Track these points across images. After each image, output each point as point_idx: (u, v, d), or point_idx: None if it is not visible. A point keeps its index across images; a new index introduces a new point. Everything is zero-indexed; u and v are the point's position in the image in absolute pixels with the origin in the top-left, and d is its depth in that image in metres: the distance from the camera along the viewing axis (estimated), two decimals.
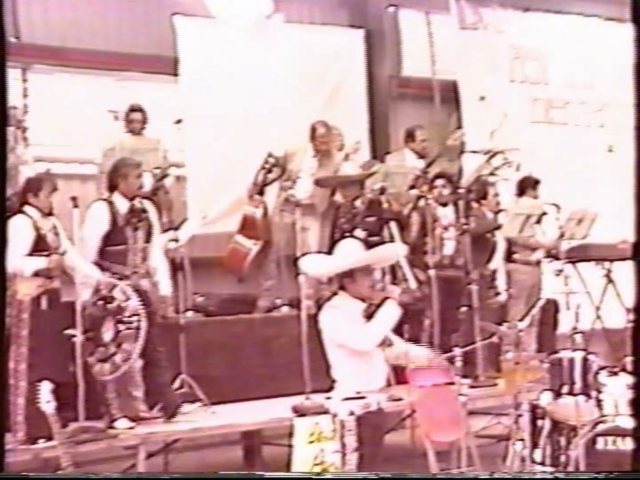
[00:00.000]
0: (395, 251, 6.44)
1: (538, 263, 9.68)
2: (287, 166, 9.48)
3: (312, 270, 6.22)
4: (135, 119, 9.12)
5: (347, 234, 8.46)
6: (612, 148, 11.51)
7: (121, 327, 7.03)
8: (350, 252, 5.70)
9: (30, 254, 6.94)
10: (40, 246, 6.99)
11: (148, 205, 7.68)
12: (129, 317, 7.04)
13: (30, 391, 6.51)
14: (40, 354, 6.83)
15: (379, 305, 5.58)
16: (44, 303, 6.92)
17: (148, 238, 7.55)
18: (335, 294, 5.69)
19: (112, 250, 7.39)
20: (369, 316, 5.58)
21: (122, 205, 7.44)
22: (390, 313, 5.56)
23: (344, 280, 5.63)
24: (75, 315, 6.95)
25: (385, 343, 5.63)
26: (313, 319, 7.49)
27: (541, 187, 9.89)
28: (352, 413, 5.50)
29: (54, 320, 6.99)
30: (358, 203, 8.65)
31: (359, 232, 8.48)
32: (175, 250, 8.36)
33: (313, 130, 9.61)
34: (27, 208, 7.04)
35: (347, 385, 5.58)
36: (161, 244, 7.91)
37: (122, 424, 7.25)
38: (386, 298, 5.62)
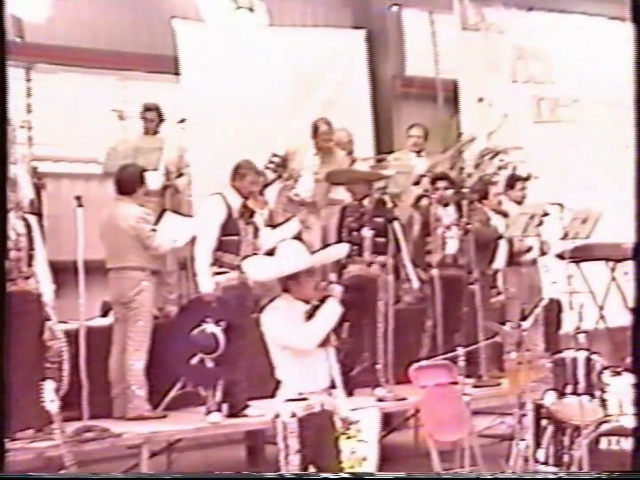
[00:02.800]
0: (340, 251, 6.36)
1: (534, 262, 9.68)
2: (288, 165, 9.48)
3: (255, 274, 6.19)
4: (149, 118, 9.09)
5: (355, 234, 8.47)
6: (627, 145, 11.50)
7: (46, 364, 6.91)
8: (294, 255, 5.60)
9: None
10: None
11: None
12: (52, 357, 6.95)
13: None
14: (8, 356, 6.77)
15: (320, 304, 5.54)
16: None
17: (257, 235, 7.80)
18: (277, 296, 5.63)
19: (225, 241, 7.64)
20: (311, 317, 5.53)
21: (235, 199, 7.73)
22: (331, 311, 5.52)
23: (288, 282, 5.56)
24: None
25: (329, 343, 5.59)
26: None
27: (543, 187, 9.89)
28: (294, 415, 5.44)
29: (20, 321, 6.88)
30: (366, 202, 8.64)
31: (366, 232, 8.47)
32: (179, 250, 8.37)
33: (315, 127, 9.60)
34: None
35: (290, 387, 5.52)
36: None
37: (214, 417, 7.43)
38: (327, 296, 5.58)
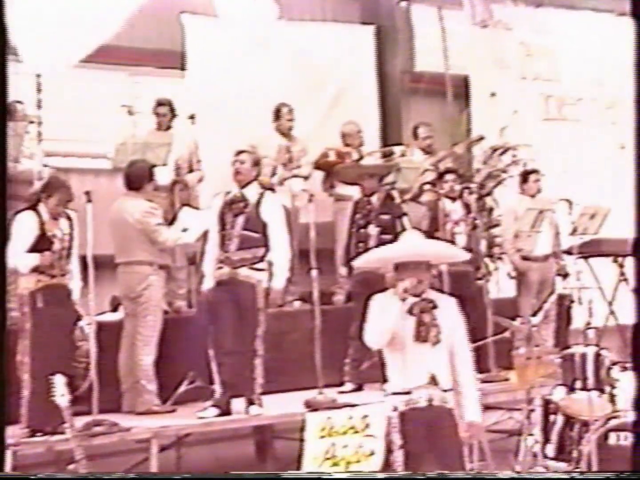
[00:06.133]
0: (458, 253, 6.04)
1: (546, 258, 9.68)
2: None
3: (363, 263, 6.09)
4: (162, 113, 9.07)
5: (362, 230, 8.47)
6: (623, 145, 11.52)
7: (73, 363, 7.00)
8: (407, 243, 5.60)
9: (32, 251, 6.92)
10: (42, 244, 6.95)
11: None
12: (79, 358, 7.05)
13: (33, 384, 6.63)
14: (42, 347, 6.83)
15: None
16: (39, 298, 6.88)
17: (249, 227, 7.57)
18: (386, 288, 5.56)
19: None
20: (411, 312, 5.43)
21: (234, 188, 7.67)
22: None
23: (392, 275, 5.49)
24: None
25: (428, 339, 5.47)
26: (326, 314, 7.55)
27: (551, 183, 9.90)
28: (395, 409, 5.37)
29: (56, 314, 6.98)
30: (374, 199, 8.63)
31: (372, 229, 8.48)
32: (187, 246, 8.38)
33: (277, 110, 9.64)
34: (39, 206, 7.03)
35: (394, 381, 5.44)
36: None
37: (209, 412, 7.42)
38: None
